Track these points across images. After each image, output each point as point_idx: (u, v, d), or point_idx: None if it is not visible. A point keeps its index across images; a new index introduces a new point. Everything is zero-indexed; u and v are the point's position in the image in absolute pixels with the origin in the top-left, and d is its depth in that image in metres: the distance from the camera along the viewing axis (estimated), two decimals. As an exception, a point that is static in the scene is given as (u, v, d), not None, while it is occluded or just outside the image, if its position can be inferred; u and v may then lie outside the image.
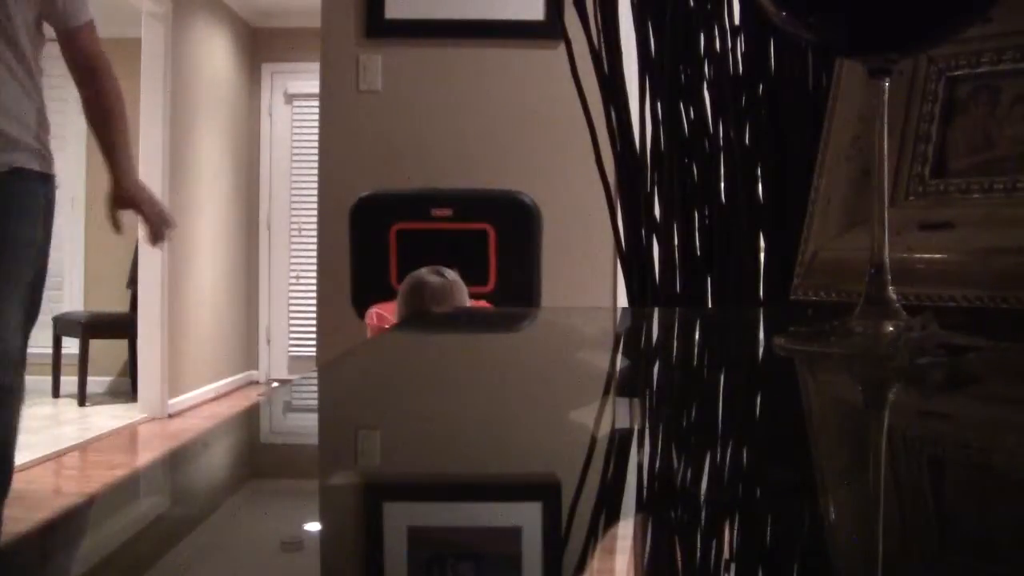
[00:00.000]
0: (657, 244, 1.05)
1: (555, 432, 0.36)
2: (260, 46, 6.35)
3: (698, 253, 1.03)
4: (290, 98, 6.38)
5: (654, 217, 1.06)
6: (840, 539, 0.24)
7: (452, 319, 1.05)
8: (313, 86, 3.12)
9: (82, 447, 4.36)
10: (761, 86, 0.99)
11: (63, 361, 5.55)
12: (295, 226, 6.52)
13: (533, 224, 2.82)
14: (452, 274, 2.38)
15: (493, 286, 2.74)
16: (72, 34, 2.21)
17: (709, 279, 1.02)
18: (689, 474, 0.30)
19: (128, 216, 2.28)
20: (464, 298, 2.38)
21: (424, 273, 2.36)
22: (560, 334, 0.78)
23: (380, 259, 2.75)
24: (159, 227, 2.38)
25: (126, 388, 5.73)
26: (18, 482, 3.28)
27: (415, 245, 2.69)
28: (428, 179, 3.04)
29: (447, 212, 2.76)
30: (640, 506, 0.27)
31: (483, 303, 2.65)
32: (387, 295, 2.64)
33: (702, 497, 0.28)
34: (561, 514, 0.26)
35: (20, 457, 3.92)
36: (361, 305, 2.73)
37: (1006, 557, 0.22)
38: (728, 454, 0.33)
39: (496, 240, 2.76)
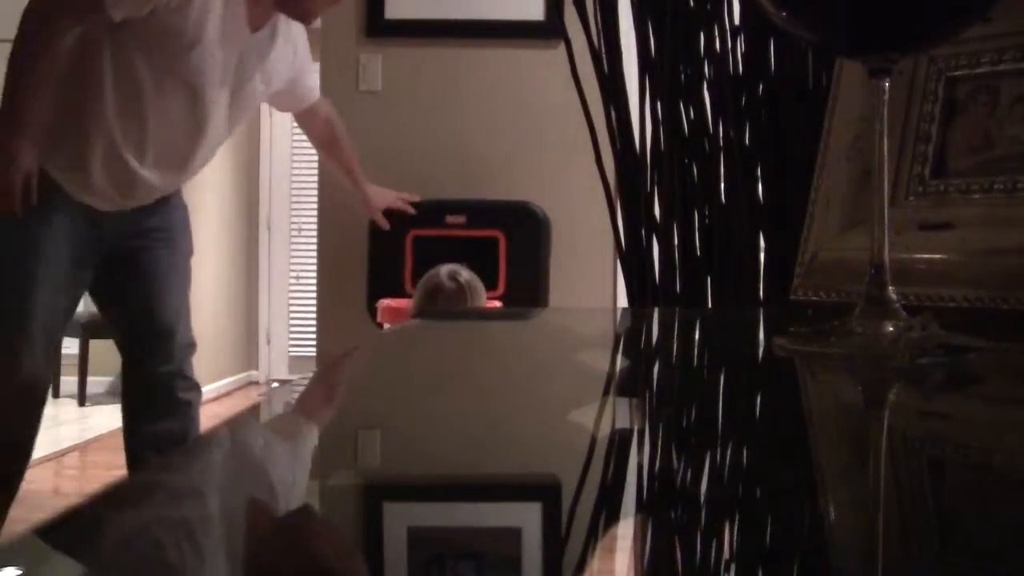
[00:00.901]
0: (657, 244, 1.05)
1: (555, 432, 0.36)
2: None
3: (698, 253, 1.03)
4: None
5: (654, 217, 1.06)
6: (840, 539, 0.24)
7: (453, 319, 1.05)
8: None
9: (82, 447, 4.35)
10: (761, 86, 0.99)
11: (63, 361, 5.54)
12: (295, 226, 6.51)
13: (542, 232, 2.90)
14: (468, 275, 2.41)
15: (503, 290, 2.81)
16: (310, 109, 2.43)
17: (709, 279, 1.02)
18: (689, 474, 0.30)
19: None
20: (480, 300, 2.40)
21: (443, 278, 2.38)
22: (560, 334, 0.78)
23: (396, 263, 2.85)
24: (406, 205, 2.78)
25: (126, 388, 5.71)
26: (18, 482, 3.27)
27: (429, 250, 2.76)
28: (429, 179, 3.03)
29: (460, 219, 2.85)
30: (640, 506, 0.27)
31: (496, 303, 2.69)
32: (402, 297, 2.76)
33: (702, 497, 0.28)
34: (561, 514, 0.26)
35: (20, 457, 3.91)
36: (375, 308, 2.82)
37: (1006, 557, 0.22)
38: (728, 454, 0.33)
39: (506, 246, 2.84)
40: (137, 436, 2.20)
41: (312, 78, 2.38)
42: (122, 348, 2.24)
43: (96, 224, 2.05)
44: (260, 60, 2.09)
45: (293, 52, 2.21)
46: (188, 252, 2.27)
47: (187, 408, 2.20)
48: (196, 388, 2.24)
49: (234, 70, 2.04)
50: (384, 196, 2.74)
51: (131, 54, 1.94)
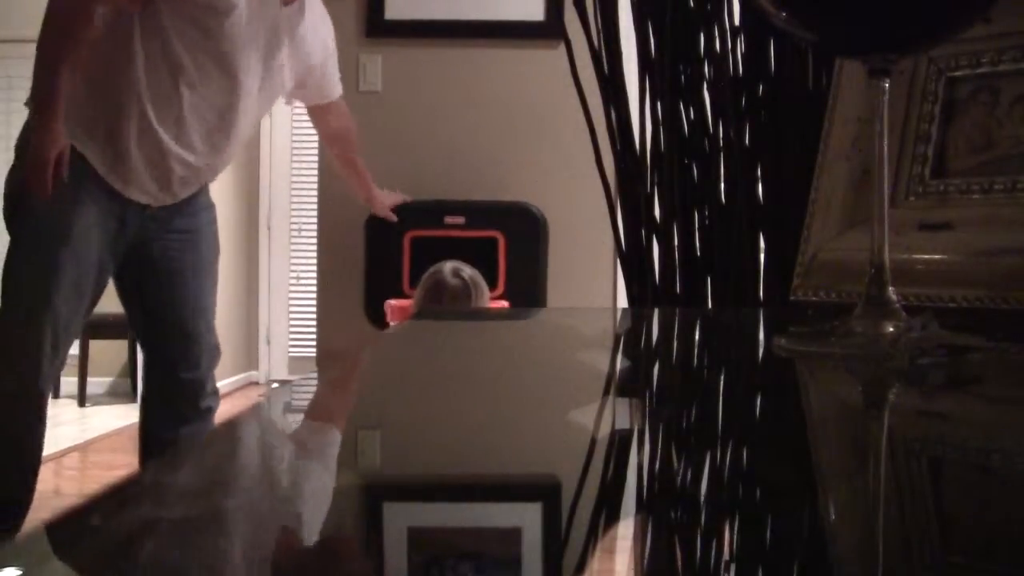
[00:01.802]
0: (657, 244, 1.05)
1: (555, 432, 0.36)
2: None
3: (698, 253, 1.03)
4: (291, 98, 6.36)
5: (654, 217, 1.06)
6: (840, 539, 0.24)
7: (452, 319, 1.05)
8: (313, 86, 3.12)
9: (82, 448, 4.35)
10: (761, 86, 0.99)
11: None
12: (295, 226, 6.51)
13: (540, 232, 2.91)
14: (471, 272, 2.40)
15: (503, 289, 2.81)
16: (327, 106, 2.39)
17: (709, 279, 1.02)
18: (689, 474, 0.30)
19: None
20: (483, 299, 2.39)
21: (446, 275, 2.37)
22: (560, 334, 0.78)
23: (393, 265, 2.85)
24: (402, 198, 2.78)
25: (126, 389, 5.72)
26: (18, 482, 3.26)
27: (428, 251, 2.76)
28: (428, 179, 3.04)
29: (459, 220, 2.86)
30: (640, 506, 0.27)
31: (502, 303, 2.69)
32: (400, 298, 2.75)
33: (702, 497, 0.28)
34: (561, 515, 0.26)
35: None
36: (373, 309, 2.81)
37: (1006, 557, 0.22)
38: (728, 454, 0.33)
39: (506, 247, 2.84)
40: (155, 439, 2.15)
41: (337, 72, 2.35)
42: (145, 351, 2.20)
43: (122, 222, 2.00)
44: (290, 35, 2.06)
45: (324, 35, 2.19)
46: (214, 255, 2.22)
47: (207, 415, 2.16)
48: (216, 394, 2.20)
49: (265, 45, 2.00)
50: (390, 196, 2.77)
51: (163, 27, 1.90)
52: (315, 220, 3.29)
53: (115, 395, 5.78)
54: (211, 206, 2.23)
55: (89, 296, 2.02)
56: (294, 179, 6.46)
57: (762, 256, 0.99)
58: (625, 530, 0.25)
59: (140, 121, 1.94)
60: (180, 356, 2.12)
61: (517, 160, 3.06)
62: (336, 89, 2.36)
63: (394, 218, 2.76)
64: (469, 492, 0.28)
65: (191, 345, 2.13)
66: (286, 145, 6.42)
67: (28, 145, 1.89)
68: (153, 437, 2.16)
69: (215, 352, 2.21)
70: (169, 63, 1.92)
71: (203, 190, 2.18)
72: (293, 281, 6.55)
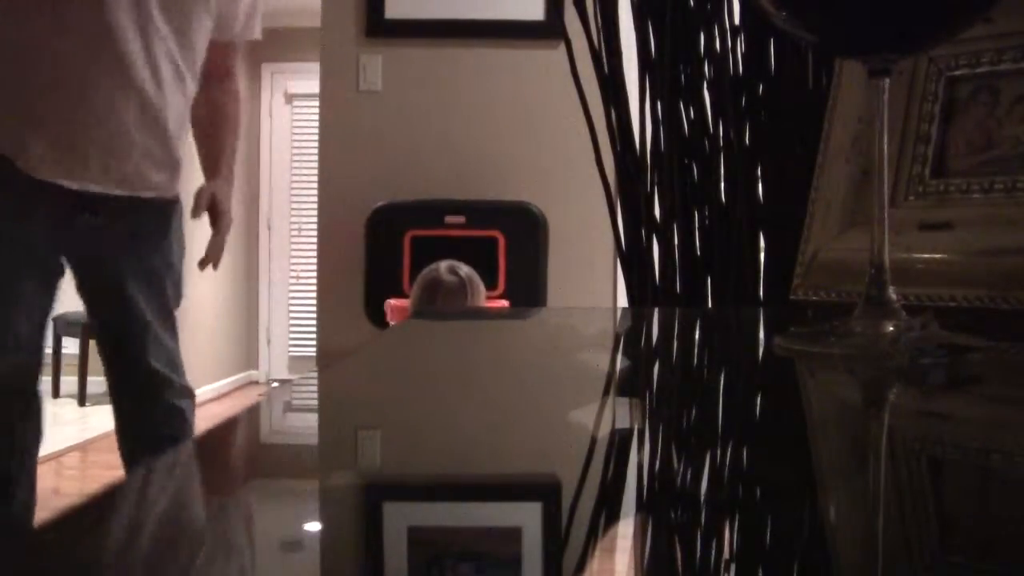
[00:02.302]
0: (657, 244, 1.05)
1: (555, 432, 0.36)
2: (260, 46, 6.33)
3: (698, 253, 1.03)
4: (290, 98, 6.38)
5: (654, 217, 1.06)
6: (840, 539, 0.24)
7: (451, 319, 1.05)
8: (313, 86, 3.12)
9: (82, 447, 4.35)
10: (761, 86, 0.99)
11: (63, 361, 5.54)
12: (295, 226, 6.52)
13: (540, 232, 2.92)
14: (468, 270, 2.40)
15: (503, 289, 2.82)
16: (233, 46, 2.10)
17: (709, 279, 1.02)
18: (689, 474, 0.30)
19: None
20: (479, 297, 2.39)
21: (442, 272, 2.37)
22: (560, 334, 0.78)
23: (394, 264, 2.86)
24: (216, 251, 2.29)
25: (126, 388, 5.72)
26: (18, 482, 3.26)
27: (428, 251, 2.76)
28: (428, 179, 3.04)
29: (459, 220, 2.86)
30: (640, 506, 0.27)
31: (502, 303, 2.70)
32: (400, 298, 2.75)
33: (702, 497, 0.28)
34: (561, 514, 0.26)
35: (20, 457, 3.90)
36: (373, 309, 2.81)
37: (1006, 557, 0.22)
38: (728, 454, 0.33)
39: (506, 247, 2.85)
40: (131, 442, 1.98)
41: (259, 16, 2.06)
42: (98, 346, 2.03)
43: (56, 217, 1.79)
44: None
45: None
46: (164, 263, 1.98)
47: (179, 415, 1.97)
48: (189, 396, 2.01)
49: None
50: (223, 220, 2.29)
51: None
52: (315, 220, 3.29)
53: (115, 395, 5.77)
54: (173, 203, 2.01)
55: (26, 294, 1.79)
56: (294, 179, 6.47)
57: (762, 256, 0.99)
58: (625, 530, 0.25)
59: (17, 78, 1.71)
60: (134, 347, 1.93)
61: (517, 160, 3.06)
62: (258, 28, 2.07)
63: (197, 214, 2.23)
64: (469, 492, 0.28)
65: (142, 337, 1.93)
66: (286, 145, 6.43)
67: None
68: (129, 439, 1.98)
69: (171, 351, 1.99)
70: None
71: (167, 185, 1.96)
72: (293, 281, 6.55)
